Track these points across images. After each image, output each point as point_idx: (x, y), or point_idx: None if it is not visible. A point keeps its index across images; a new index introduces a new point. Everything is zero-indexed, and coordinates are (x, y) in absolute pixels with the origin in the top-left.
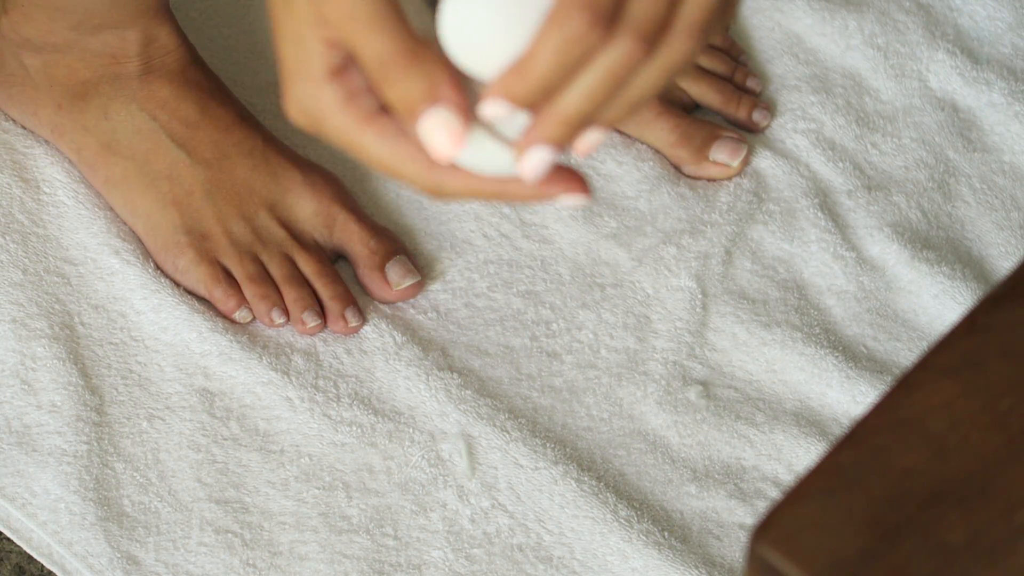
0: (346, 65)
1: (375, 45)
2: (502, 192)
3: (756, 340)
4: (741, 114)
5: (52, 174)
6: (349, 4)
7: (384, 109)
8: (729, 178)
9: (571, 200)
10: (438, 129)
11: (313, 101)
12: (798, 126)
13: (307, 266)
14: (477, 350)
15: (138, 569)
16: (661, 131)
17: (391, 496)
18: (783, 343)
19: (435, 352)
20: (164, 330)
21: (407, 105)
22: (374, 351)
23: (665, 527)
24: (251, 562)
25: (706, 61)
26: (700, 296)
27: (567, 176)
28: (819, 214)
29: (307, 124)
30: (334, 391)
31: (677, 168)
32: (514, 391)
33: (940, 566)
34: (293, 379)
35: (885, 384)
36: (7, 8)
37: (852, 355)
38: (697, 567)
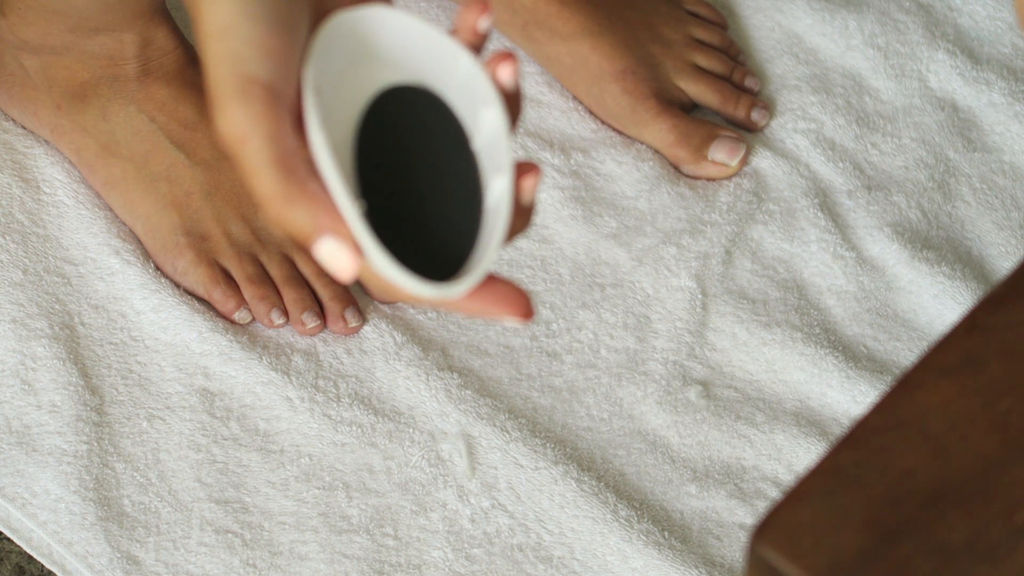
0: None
1: (261, 184)
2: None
3: (756, 340)
4: (740, 113)
5: (52, 174)
6: (242, 126)
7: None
8: (728, 177)
9: (512, 323)
10: (332, 255)
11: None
12: (798, 126)
13: (307, 267)
14: (477, 350)
15: (138, 569)
16: (659, 131)
17: (391, 496)
18: (783, 343)
19: (435, 352)
20: (164, 330)
21: (299, 238)
22: (374, 351)
23: (665, 527)
24: (251, 562)
25: (704, 60)
26: (700, 296)
27: (511, 297)
28: (819, 214)
29: (231, 143)
30: (334, 391)
31: (676, 168)
32: (514, 391)
33: (940, 566)
34: (293, 379)
35: (885, 384)
36: (5, 11)
37: (852, 355)
38: (697, 567)
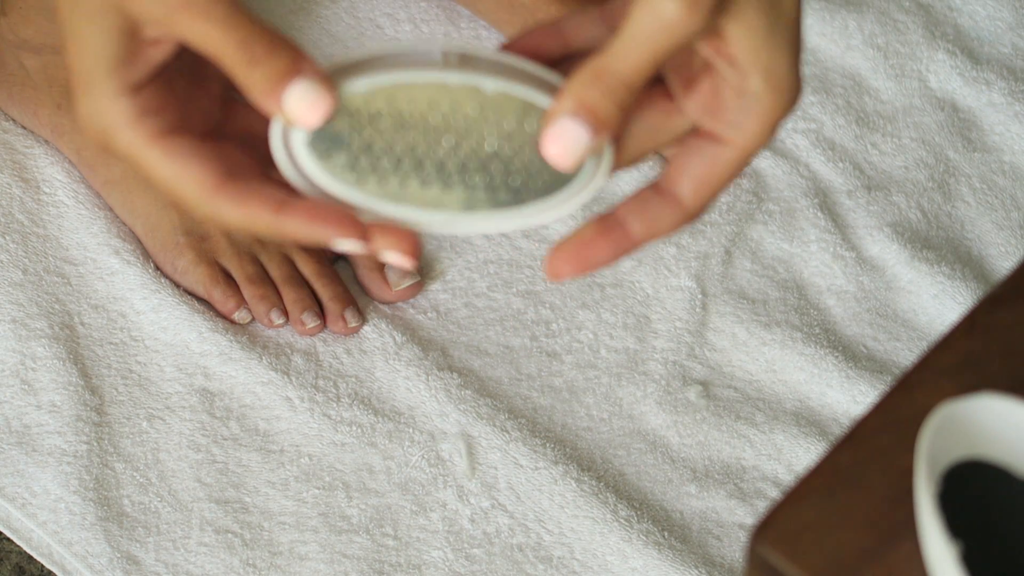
0: (145, 81)
1: (227, 32)
2: (279, 228)
3: (756, 340)
4: None
5: (52, 174)
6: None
7: (175, 129)
8: None
9: (393, 258)
10: (304, 98)
11: (102, 115)
12: (798, 126)
13: (306, 267)
14: (477, 350)
15: (138, 569)
16: None
17: (391, 496)
18: (783, 343)
19: (435, 352)
20: (164, 330)
21: (272, 82)
22: (374, 351)
23: (665, 527)
24: (251, 562)
25: None
26: (700, 296)
27: (395, 233)
28: (819, 214)
29: (97, 138)
30: (334, 391)
31: None
32: (514, 391)
33: None
34: (293, 379)
35: (885, 384)
36: (6, 10)
37: (852, 355)
38: (697, 567)
